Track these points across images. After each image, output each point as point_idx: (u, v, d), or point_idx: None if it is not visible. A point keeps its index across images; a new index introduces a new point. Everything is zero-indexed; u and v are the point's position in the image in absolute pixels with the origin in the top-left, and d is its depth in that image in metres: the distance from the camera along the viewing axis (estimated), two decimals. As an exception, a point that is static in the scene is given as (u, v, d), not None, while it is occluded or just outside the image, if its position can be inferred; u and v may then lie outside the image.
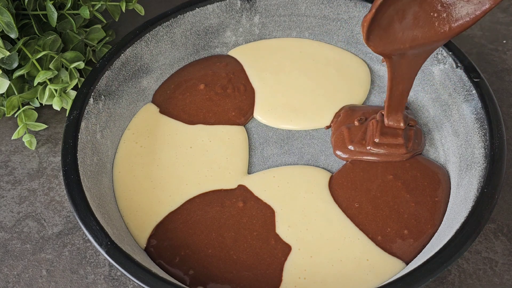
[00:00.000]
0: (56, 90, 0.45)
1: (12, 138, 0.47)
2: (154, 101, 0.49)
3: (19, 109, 0.46)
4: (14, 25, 0.43)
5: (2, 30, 0.43)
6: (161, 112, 0.48)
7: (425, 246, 0.38)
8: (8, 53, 0.43)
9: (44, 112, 0.50)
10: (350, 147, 0.44)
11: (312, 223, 0.40)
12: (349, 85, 0.49)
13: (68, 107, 0.45)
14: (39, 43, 0.45)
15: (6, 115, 0.48)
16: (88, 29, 0.50)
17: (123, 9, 0.49)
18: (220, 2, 0.50)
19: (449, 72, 0.45)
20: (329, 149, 0.45)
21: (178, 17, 0.49)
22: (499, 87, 0.51)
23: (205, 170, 0.43)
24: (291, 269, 0.38)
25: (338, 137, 0.45)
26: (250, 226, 0.40)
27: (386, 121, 0.43)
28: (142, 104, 0.49)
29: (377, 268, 0.38)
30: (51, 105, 0.47)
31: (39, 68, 0.45)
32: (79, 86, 0.44)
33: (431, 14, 0.34)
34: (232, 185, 0.43)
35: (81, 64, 0.46)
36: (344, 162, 0.44)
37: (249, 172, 0.44)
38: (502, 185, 0.36)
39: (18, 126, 0.47)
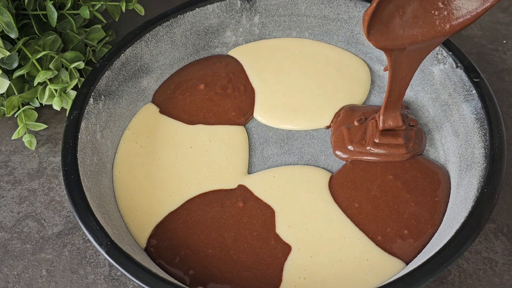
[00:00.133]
0: (56, 90, 0.45)
1: (12, 138, 0.47)
2: (154, 101, 0.49)
3: (19, 109, 0.46)
4: (14, 25, 0.43)
5: (2, 30, 0.43)
6: (161, 112, 0.48)
7: (425, 246, 0.38)
8: (8, 53, 0.43)
9: (44, 112, 0.50)
10: (350, 147, 0.44)
11: (312, 223, 0.40)
12: (349, 85, 0.49)
13: (68, 107, 0.45)
14: (39, 43, 0.45)
15: (6, 115, 0.48)
16: (88, 29, 0.50)
17: (123, 9, 0.49)
18: (220, 2, 0.50)
19: (449, 72, 0.45)
20: (329, 149, 0.45)
21: (178, 17, 0.49)
22: (499, 87, 0.51)
23: (205, 170, 0.43)
24: (291, 269, 0.38)
25: (337, 137, 0.45)
26: (250, 226, 0.40)
27: (382, 119, 0.42)
28: (142, 104, 0.49)
29: (377, 268, 0.38)
30: (51, 105, 0.47)
31: (39, 68, 0.45)
32: (79, 86, 0.44)
33: (432, 11, 0.34)
34: (232, 185, 0.43)
35: (81, 64, 0.46)
36: (344, 162, 0.44)
37: (249, 172, 0.44)
38: (502, 185, 0.36)
39: (18, 126, 0.47)
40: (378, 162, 0.43)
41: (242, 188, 0.42)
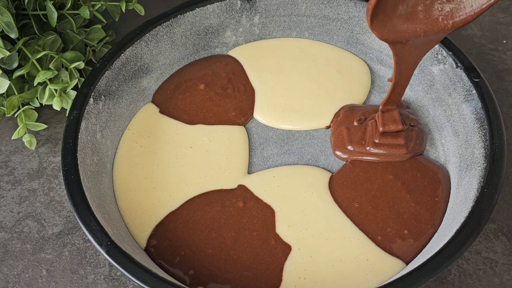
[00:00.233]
0: (56, 90, 0.45)
1: (12, 138, 0.47)
2: (154, 101, 0.49)
3: (19, 109, 0.46)
4: (14, 25, 0.43)
5: (2, 30, 0.43)
6: (161, 112, 0.48)
7: (425, 246, 0.38)
8: (8, 53, 0.43)
9: (44, 112, 0.50)
10: (350, 147, 0.44)
11: (312, 223, 0.40)
12: (349, 85, 0.49)
13: (68, 107, 0.45)
14: (39, 43, 0.45)
15: (6, 115, 0.48)
16: (88, 29, 0.50)
17: (123, 9, 0.49)
18: (220, 2, 0.50)
19: (449, 72, 0.45)
20: (329, 149, 0.45)
21: (178, 17, 0.49)
22: (499, 87, 0.51)
23: (205, 170, 0.43)
24: (291, 269, 0.38)
25: (337, 137, 0.45)
26: (250, 226, 0.40)
27: (381, 121, 0.42)
28: (142, 104, 0.49)
29: (377, 268, 0.38)
30: (51, 105, 0.47)
31: (39, 68, 0.45)
32: (79, 86, 0.44)
33: (436, 5, 0.34)
34: (232, 185, 0.43)
35: (81, 64, 0.46)
36: (344, 162, 0.44)
37: (249, 172, 0.44)
38: (502, 185, 0.36)
39: (18, 126, 0.47)
40: (378, 162, 0.43)
41: (242, 188, 0.42)
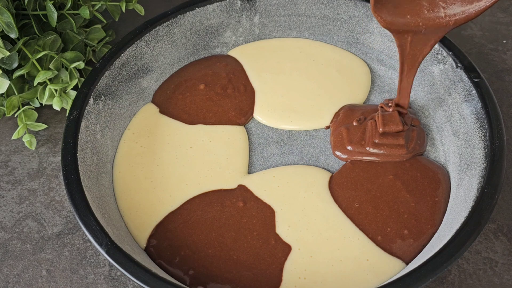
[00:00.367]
0: (56, 90, 0.45)
1: (12, 138, 0.47)
2: (154, 101, 0.49)
3: (19, 109, 0.46)
4: (14, 25, 0.43)
5: (2, 30, 0.43)
6: (161, 112, 0.48)
7: (425, 246, 0.38)
8: (8, 53, 0.43)
9: (44, 112, 0.50)
10: (349, 148, 0.44)
11: (312, 223, 0.40)
12: (349, 85, 0.49)
13: (68, 107, 0.45)
14: (39, 43, 0.45)
15: (6, 115, 0.48)
16: (88, 29, 0.50)
17: (123, 9, 0.49)
18: (220, 2, 0.50)
19: (449, 72, 0.45)
20: (329, 149, 0.45)
21: (178, 17, 0.49)
22: (499, 87, 0.51)
23: (205, 170, 0.43)
24: (291, 269, 0.38)
25: (337, 138, 0.45)
26: (250, 226, 0.40)
27: (382, 122, 0.42)
28: (142, 104, 0.49)
29: (377, 268, 0.38)
30: (51, 105, 0.47)
31: (39, 68, 0.45)
32: (79, 86, 0.44)
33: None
34: (232, 185, 0.43)
35: (81, 64, 0.46)
36: (344, 162, 0.44)
37: (249, 172, 0.44)
38: (502, 185, 0.36)
39: (18, 126, 0.47)
40: (378, 162, 0.43)
41: (242, 188, 0.42)
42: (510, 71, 0.53)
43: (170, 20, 0.49)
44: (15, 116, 0.47)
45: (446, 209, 0.40)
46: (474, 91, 0.42)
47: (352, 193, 0.42)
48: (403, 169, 0.43)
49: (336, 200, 0.41)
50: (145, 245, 0.39)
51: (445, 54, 0.45)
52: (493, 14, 0.59)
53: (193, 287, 0.37)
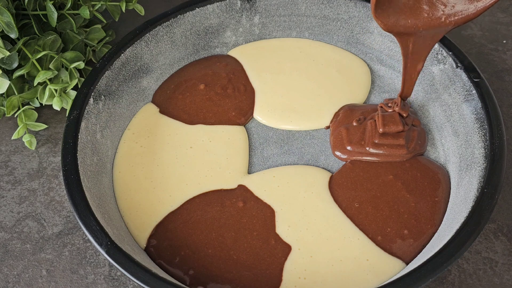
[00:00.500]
0: (56, 90, 0.45)
1: (12, 138, 0.47)
2: (154, 101, 0.49)
3: (19, 109, 0.46)
4: (14, 25, 0.43)
5: (2, 30, 0.43)
6: (161, 112, 0.48)
7: (425, 246, 0.38)
8: (8, 53, 0.43)
9: (44, 112, 0.50)
10: (349, 148, 0.44)
11: (312, 223, 0.40)
12: (349, 85, 0.49)
13: (68, 107, 0.45)
14: (39, 43, 0.45)
15: (6, 115, 0.48)
16: (88, 29, 0.50)
17: (123, 9, 0.49)
18: (220, 2, 0.50)
19: (449, 72, 0.45)
20: (329, 149, 0.45)
21: (178, 17, 0.49)
22: (499, 87, 0.51)
23: (205, 170, 0.43)
24: (291, 269, 0.38)
25: (336, 138, 0.45)
26: (250, 226, 0.40)
27: (381, 122, 0.42)
28: (142, 104, 0.49)
29: (377, 268, 0.38)
30: (51, 105, 0.47)
31: (39, 68, 0.45)
32: (79, 86, 0.44)
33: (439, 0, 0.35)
34: (232, 185, 0.43)
35: (81, 64, 0.46)
36: (344, 162, 0.44)
37: (249, 172, 0.44)
38: (502, 185, 0.36)
39: (18, 126, 0.47)
40: (378, 162, 0.43)
41: (242, 188, 0.42)
42: (510, 71, 0.53)
43: (170, 20, 0.49)
44: (15, 116, 0.47)
45: (446, 209, 0.40)
46: (474, 91, 0.42)
47: (352, 193, 0.42)
48: (403, 169, 0.43)
49: (336, 200, 0.41)
50: (145, 245, 0.39)
51: (445, 54, 0.45)
52: (493, 14, 0.59)
53: (193, 287, 0.37)
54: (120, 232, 0.38)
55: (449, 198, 0.41)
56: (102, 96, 0.44)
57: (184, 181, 0.43)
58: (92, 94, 0.43)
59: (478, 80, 0.42)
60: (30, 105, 0.48)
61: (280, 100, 0.48)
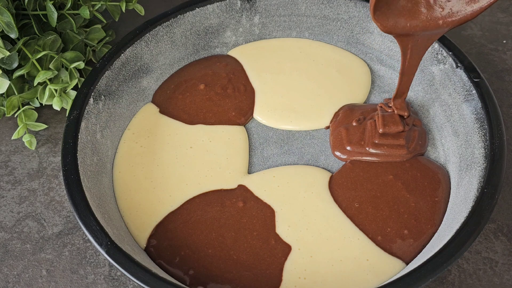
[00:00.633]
0: (56, 90, 0.45)
1: (12, 138, 0.47)
2: (154, 101, 0.49)
3: (19, 109, 0.46)
4: (14, 25, 0.43)
5: (2, 30, 0.43)
6: (161, 112, 0.48)
7: (425, 246, 0.38)
8: (8, 53, 0.43)
9: (44, 112, 0.50)
10: (348, 148, 0.44)
11: (312, 223, 0.40)
12: (349, 85, 0.49)
13: (68, 107, 0.45)
14: (39, 43, 0.45)
15: (6, 115, 0.48)
16: (88, 29, 0.50)
17: (123, 9, 0.49)
18: (220, 2, 0.50)
19: (449, 72, 0.45)
20: (329, 149, 0.45)
21: (178, 17, 0.49)
22: (499, 87, 0.51)
23: (205, 170, 0.43)
24: (291, 269, 0.38)
25: (336, 138, 0.45)
26: (250, 226, 0.40)
27: (381, 122, 0.43)
28: (142, 104, 0.49)
29: (377, 268, 0.38)
30: (51, 105, 0.47)
31: (39, 68, 0.45)
32: (79, 86, 0.44)
33: (437, 2, 0.35)
34: (232, 185, 0.43)
35: (81, 64, 0.46)
36: (344, 162, 0.44)
37: (249, 172, 0.44)
38: (502, 185, 0.36)
39: (18, 126, 0.47)
40: (378, 162, 0.43)
41: (242, 188, 0.42)
42: (510, 71, 0.53)
43: (170, 20, 0.49)
44: (15, 116, 0.47)
45: (446, 209, 0.40)
46: (474, 91, 0.42)
47: (352, 193, 0.42)
48: (403, 169, 0.43)
49: (336, 200, 0.41)
50: (145, 245, 0.39)
51: (445, 54, 0.45)
52: (493, 14, 0.59)
53: (193, 287, 0.37)
54: (120, 232, 0.38)
55: (449, 198, 0.41)
56: (102, 96, 0.44)
57: (184, 181, 0.43)
58: (92, 94, 0.43)
59: (478, 80, 0.42)
60: (30, 105, 0.48)
61: (280, 100, 0.48)
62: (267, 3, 0.51)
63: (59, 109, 0.46)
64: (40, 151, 0.47)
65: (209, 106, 0.48)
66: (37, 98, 0.47)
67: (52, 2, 0.45)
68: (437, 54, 0.46)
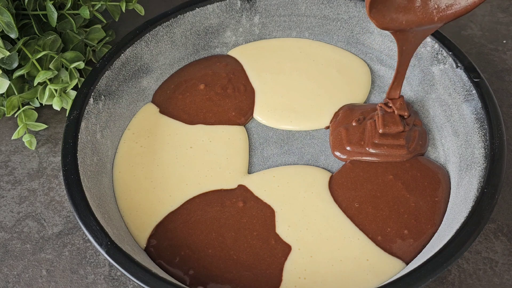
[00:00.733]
0: (56, 90, 0.45)
1: (12, 138, 0.47)
2: (154, 101, 0.49)
3: (19, 109, 0.46)
4: (14, 25, 0.43)
5: (2, 30, 0.43)
6: (161, 112, 0.48)
7: (425, 246, 0.38)
8: (8, 53, 0.43)
9: (44, 112, 0.50)
10: (348, 148, 0.44)
11: (312, 223, 0.40)
12: (349, 85, 0.49)
13: (68, 107, 0.45)
14: (39, 43, 0.45)
15: (6, 115, 0.48)
16: (88, 29, 0.50)
17: (123, 9, 0.49)
18: (220, 2, 0.50)
19: (449, 72, 0.45)
20: (329, 149, 0.45)
21: (178, 17, 0.49)
22: (499, 87, 0.51)
23: (205, 170, 0.43)
24: (291, 269, 0.38)
25: (335, 138, 0.45)
26: (250, 226, 0.40)
27: (381, 122, 0.43)
28: (142, 104, 0.49)
29: (377, 268, 0.38)
30: (51, 105, 0.47)
31: (39, 68, 0.45)
32: (79, 86, 0.44)
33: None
34: (232, 185, 0.43)
35: (81, 64, 0.46)
36: (344, 162, 0.44)
37: (249, 172, 0.44)
38: (502, 185, 0.36)
39: (18, 126, 0.47)
40: (378, 162, 0.43)
41: (242, 188, 0.42)
42: (510, 71, 0.53)
43: (170, 20, 0.49)
44: (15, 116, 0.47)
45: (446, 209, 0.40)
46: (474, 91, 0.42)
47: (352, 193, 0.42)
48: (403, 169, 0.43)
49: (336, 200, 0.41)
50: (145, 245, 0.39)
51: (445, 54, 0.45)
52: (493, 14, 0.59)
53: (193, 287, 0.37)
54: (120, 232, 0.38)
55: (449, 198, 0.41)
56: (102, 96, 0.44)
57: (184, 181, 0.43)
58: (92, 94, 0.43)
59: (478, 80, 0.42)
60: (30, 105, 0.48)
61: (280, 100, 0.48)
62: (267, 3, 0.51)
63: (59, 109, 0.46)
64: (40, 151, 0.47)
65: (209, 106, 0.48)
66: (37, 98, 0.47)
67: (52, 2, 0.45)
68: (437, 54, 0.46)
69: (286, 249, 0.39)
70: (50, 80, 0.46)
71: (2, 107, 0.47)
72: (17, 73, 0.44)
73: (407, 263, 0.38)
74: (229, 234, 0.40)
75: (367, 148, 0.43)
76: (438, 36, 0.46)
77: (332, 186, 0.42)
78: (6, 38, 0.45)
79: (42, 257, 0.41)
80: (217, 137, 0.46)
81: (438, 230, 0.39)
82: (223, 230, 0.40)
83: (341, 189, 0.42)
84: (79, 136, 0.40)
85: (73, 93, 0.46)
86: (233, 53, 0.53)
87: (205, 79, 0.50)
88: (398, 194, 0.41)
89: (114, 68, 0.45)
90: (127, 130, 0.46)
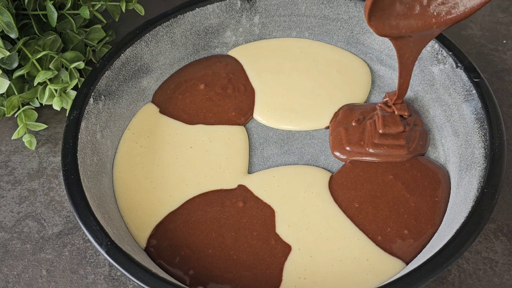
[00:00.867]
0: (56, 90, 0.45)
1: (12, 138, 0.47)
2: (154, 101, 0.49)
3: (19, 109, 0.46)
4: (14, 25, 0.43)
5: (2, 30, 0.43)
6: (161, 112, 0.48)
7: (425, 246, 0.38)
8: (8, 53, 0.43)
9: (44, 112, 0.50)
10: (348, 148, 0.44)
11: (312, 223, 0.40)
12: (349, 85, 0.49)
13: (68, 107, 0.45)
14: (39, 43, 0.45)
15: (6, 115, 0.48)
16: (88, 29, 0.50)
17: (123, 9, 0.49)
18: (220, 2, 0.50)
19: (449, 72, 0.45)
20: (329, 149, 0.45)
21: (178, 17, 0.49)
22: (499, 87, 0.51)
23: (205, 170, 0.43)
24: (291, 269, 0.38)
25: (335, 138, 0.45)
26: (250, 226, 0.40)
27: (381, 123, 0.43)
28: (142, 104, 0.49)
29: (377, 268, 0.38)
30: (51, 105, 0.47)
31: (39, 68, 0.45)
32: (79, 86, 0.44)
33: (431, 5, 0.35)
34: (232, 185, 0.43)
35: (81, 64, 0.46)
36: (343, 162, 0.44)
37: (249, 172, 0.44)
38: (502, 185, 0.36)
39: (18, 126, 0.47)
40: (378, 162, 0.43)
41: (242, 188, 0.42)
42: (510, 71, 0.53)
43: (170, 20, 0.49)
44: (15, 116, 0.47)
45: (446, 209, 0.40)
46: (474, 91, 0.42)
47: (352, 193, 0.42)
48: (403, 169, 0.43)
49: (336, 200, 0.41)
50: (145, 245, 0.39)
51: (445, 54, 0.45)
52: (493, 14, 0.59)
53: (193, 287, 0.37)
54: (120, 232, 0.38)
55: (449, 198, 0.41)
56: (102, 96, 0.44)
57: (184, 181, 0.43)
58: (92, 94, 0.43)
59: (478, 80, 0.42)
60: (30, 105, 0.48)
61: (280, 100, 0.48)
62: (267, 3, 0.51)
63: (59, 109, 0.46)
64: (40, 151, 0.48)
65: (209, 106, 0.48)
66: (37, 98, 0.47)
67: (52, 2, 0.45)
68: (437, 54, 0.46)
69: (286, 249, 0.39)
70: (50, 80, 0.46)
71: (2, 107, 0.47)
72: (17, 73, 0.44)
73: (407, 263, 0.38)
74: (229, 234, 0.40)
75: (366, 148, 0.43)
76: (438, 36, 0.46)
77: (332, 186, 0.42)
78: (6, 38, 0.45)
79: (42, 257, 0.41)
80: (217, 137, 0.46)
81: (438, 230, 0.39)
82: (223, 230, 0.40)
83: (341, 189, 0.42)
84: (79, 136, 0.40)
85: (73, 93, 0.46)
86: (233, 53, 0.53)
87: (205, 79, 0.50)
88: (398, 194, 0.41)
89: (114, 68, 0.45)
90: (127, 130, 0.46)
